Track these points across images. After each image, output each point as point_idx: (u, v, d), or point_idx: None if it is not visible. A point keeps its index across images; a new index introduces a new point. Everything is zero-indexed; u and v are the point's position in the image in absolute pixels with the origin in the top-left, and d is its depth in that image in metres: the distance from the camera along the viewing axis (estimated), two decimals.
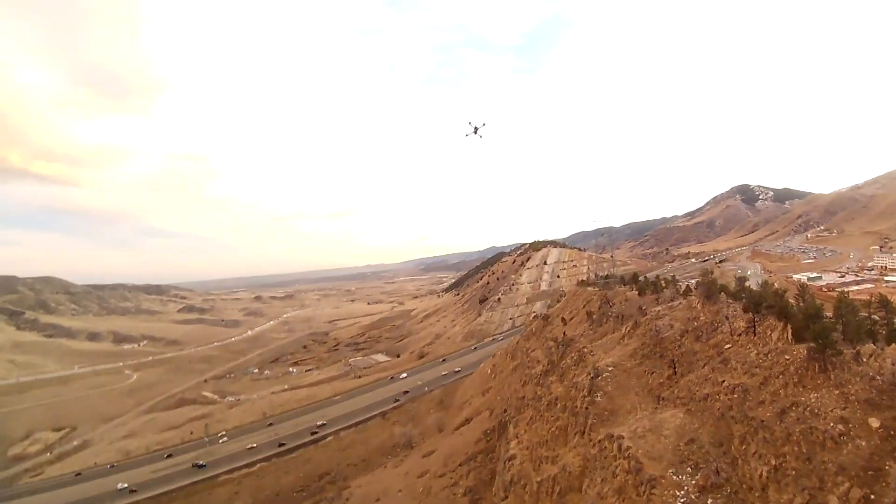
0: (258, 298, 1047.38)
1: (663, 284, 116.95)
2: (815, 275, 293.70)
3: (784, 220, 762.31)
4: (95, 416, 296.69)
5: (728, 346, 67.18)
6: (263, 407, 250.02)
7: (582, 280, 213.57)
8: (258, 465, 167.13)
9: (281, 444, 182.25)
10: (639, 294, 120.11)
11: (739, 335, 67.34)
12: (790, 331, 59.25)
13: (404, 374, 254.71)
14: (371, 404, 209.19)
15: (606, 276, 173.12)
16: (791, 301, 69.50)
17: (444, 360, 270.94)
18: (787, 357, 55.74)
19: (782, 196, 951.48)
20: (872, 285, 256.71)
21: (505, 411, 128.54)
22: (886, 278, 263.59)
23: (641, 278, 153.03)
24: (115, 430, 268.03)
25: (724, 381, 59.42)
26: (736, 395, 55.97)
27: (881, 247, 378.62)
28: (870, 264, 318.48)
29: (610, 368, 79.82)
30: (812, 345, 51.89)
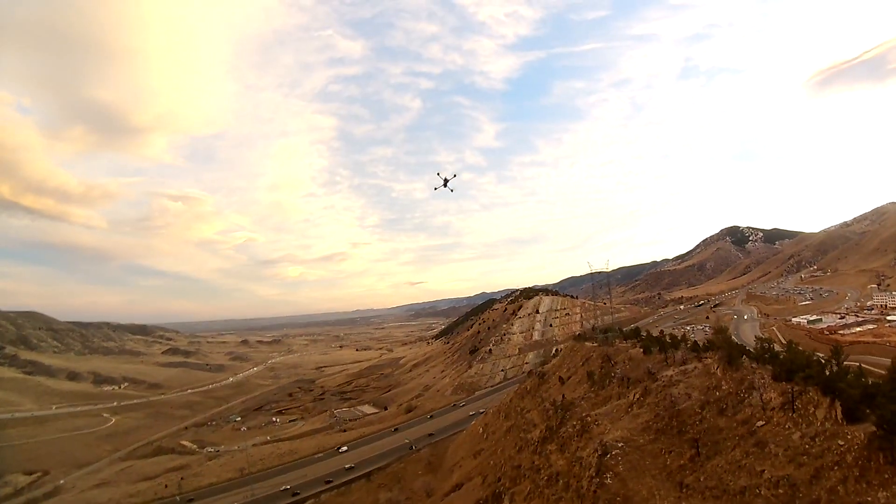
0: (244, 342, 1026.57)
1: (669, 342, 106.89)
2: (814, 317, 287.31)
3: (776, 261, 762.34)
4: (69, 461, 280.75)
5: (761, 423, 57.33)
6: (242, 462, 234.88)
7: (578, 334, 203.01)
8: None
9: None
10: (643, 353, 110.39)
11: (773, 410, 57.62)
12: (839, 408, 49.82)
13: (395, 428, 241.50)
14: (355, 463, 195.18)
15: (605, 331, 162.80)
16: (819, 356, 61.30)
17: (432, 416, 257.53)
18: (840, 443, 46.05)
19: (772, 237, 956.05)
20: (874, 325, 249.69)
21: (499, 480, 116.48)
22: (889, 318, 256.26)
23: (643, 333, 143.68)
24: (88, 477, 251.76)
25: (763, 472, 49.38)
26: (782, 491, 45.95)
27: (878, 285, 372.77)
28: (868, 303, 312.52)
29: (620, 445, 69.38)
30: (874, 429, 42.55)
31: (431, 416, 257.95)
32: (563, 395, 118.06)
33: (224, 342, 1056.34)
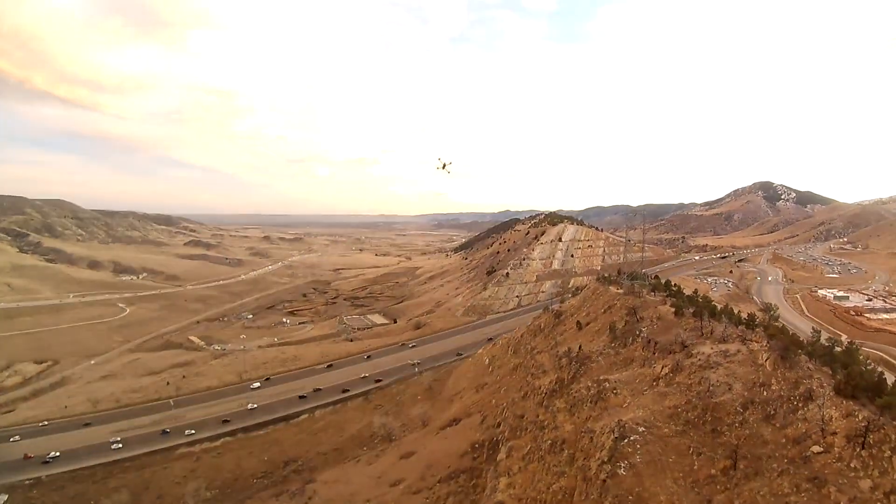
0: (266, 238, 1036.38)
1: (706, 306, 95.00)
2: (841, 293, 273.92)
3: (805, 225, 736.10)
4: (80, 351, 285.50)
5: (818, 450, 46.96)
6: (246, 363, 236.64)
7: (603, 275, 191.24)
8: (221, 440, 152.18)
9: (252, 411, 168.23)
10: (675, 313, 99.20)
11: (834, 435, 47.19)
12: None
13: (402, 344, 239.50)
14: (354, 380, 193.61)
15: (633, 276, 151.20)
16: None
17: (441, 336, 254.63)
18: None
19: (805, 199, 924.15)
20: None
21: (499, 425, 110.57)
22: None
23: (674, 286, 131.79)
24: (96, 368, 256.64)
25: None
26: None
27: None
28: None
29: (641, 429, 60.20)
30: None
31: (441, 336, 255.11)
32: (581, 346, 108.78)
33: (247, 237, 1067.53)
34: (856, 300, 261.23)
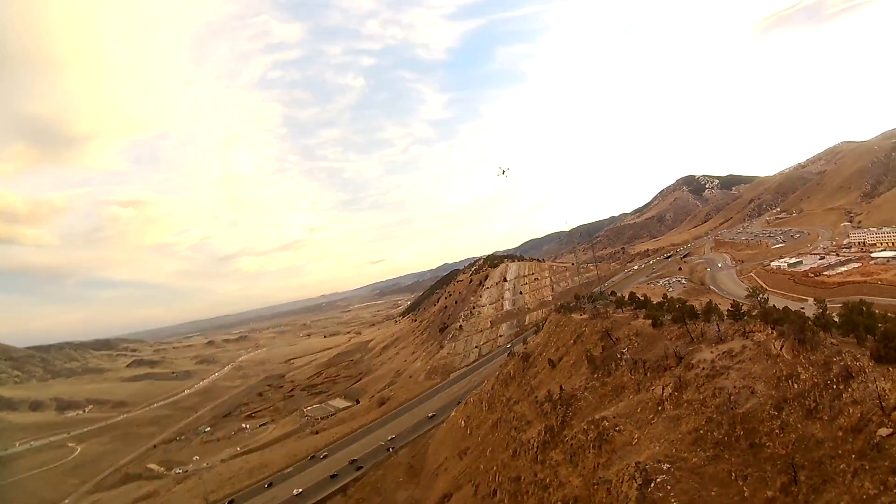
0: (211, 343, 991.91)
1: (688, 312, 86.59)
2: (794, 260, 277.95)
3: (736, 207, 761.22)
4: None
5: (887, 433, 38.24)
6: (211, 483, 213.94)
7: (560, 304, 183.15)
8: None
9: None
10: (652, 325, 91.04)
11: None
12: None
13: (368, 427, 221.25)
14: (328, 476, 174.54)
15: (593, 298, 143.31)
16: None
17: (407, 407, 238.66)
18: None
19: (728, 182, 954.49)
20: (859, 264, 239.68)
21: (495, 493, 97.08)
22: (874, 255, 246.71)
23: (641, 297, 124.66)
24: None
25: None
26: None
27: (851, 221, 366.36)
28: (845, 242, 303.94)
29: (665, 467, 50.07)
30: None
31: (407, 407, 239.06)
32: (561, 386, 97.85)
33: (191, 345, 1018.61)
34: (810, 262, 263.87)
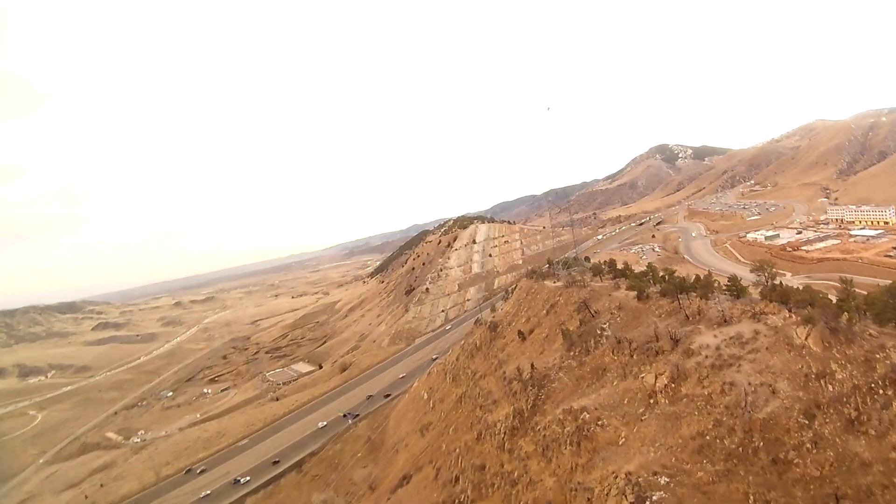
0: (178, 304, 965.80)
1: (679, 285, 76.01)
2: (771, 233, 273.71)
3: (709, 177, 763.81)
4: None
5: None
6: (167, 454, 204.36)
7: (532, 269, 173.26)
8: None
9: None
10: (638, 298, 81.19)
11: None
12: None
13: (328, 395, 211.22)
14: (284, 449, 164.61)
15: (567, 264, 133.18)
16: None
17: (371, 374, 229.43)
18: None
19: (701, 153, 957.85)
20: (838, 241, 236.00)
21: (457, 479, 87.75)
22: (852, 232, 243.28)
23: (621, 265, 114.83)
24: (13, 493, 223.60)
25: None
26: None
27: (828, 198, 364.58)
28: (823, 218, 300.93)
29: (663, 481, 40.31)
30: None
31: (370, 374, 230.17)
32: (532, 364, 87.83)
33: (158, 307, 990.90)
34: (787, 236, 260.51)
